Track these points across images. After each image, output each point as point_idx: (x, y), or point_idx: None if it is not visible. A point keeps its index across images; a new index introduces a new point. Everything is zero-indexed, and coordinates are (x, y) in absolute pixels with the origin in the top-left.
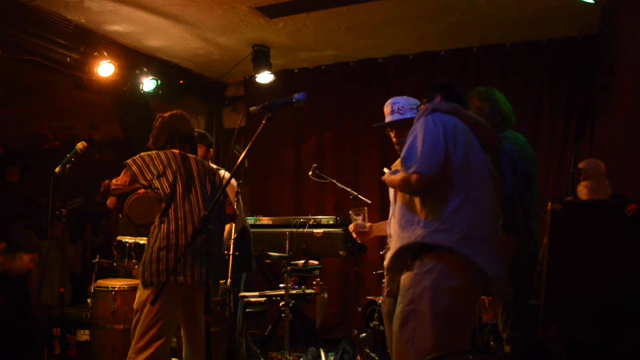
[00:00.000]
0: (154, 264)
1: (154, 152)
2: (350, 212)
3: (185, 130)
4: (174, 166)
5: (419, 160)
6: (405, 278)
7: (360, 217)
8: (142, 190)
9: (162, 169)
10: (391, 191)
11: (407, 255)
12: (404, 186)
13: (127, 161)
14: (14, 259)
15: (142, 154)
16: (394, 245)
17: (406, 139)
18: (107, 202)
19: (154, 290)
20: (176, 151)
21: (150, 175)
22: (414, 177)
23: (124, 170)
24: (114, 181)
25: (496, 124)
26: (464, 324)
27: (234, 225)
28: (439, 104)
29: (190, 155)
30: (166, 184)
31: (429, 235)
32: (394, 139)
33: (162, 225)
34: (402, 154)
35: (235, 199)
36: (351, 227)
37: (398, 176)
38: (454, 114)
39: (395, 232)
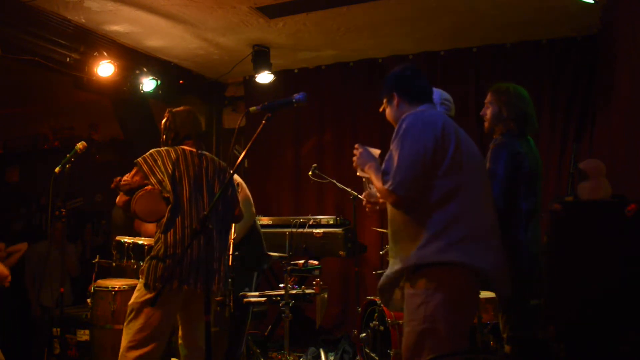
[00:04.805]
0: (158, 270)
1: (164, 149)
2: (364, 180)
3: (198, 127)
4: (182, 166)
5: (392, 177)
6: (412, 296)
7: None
8: (149, 187)
9: (172, 168)
10: None
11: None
12: (382, 198)
13: (138, 160)
14: None
15: (152, 151)
16: (393, 264)
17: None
18: (117, 200)
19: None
20: (192, 149)
21: (160, 175)
22: (391, 197)
23: (135, 169)
24: (125, 177)
25: (519, 127)
26: (468, 328)
27: (234, 225)
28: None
29: (205, 153)
30: (173, 186)
31: (433, 254)
32: None
33: (169, 232)
34: (383, 164)
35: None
36: (364, 194)
37: (377, 183)
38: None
39: (393, 247)
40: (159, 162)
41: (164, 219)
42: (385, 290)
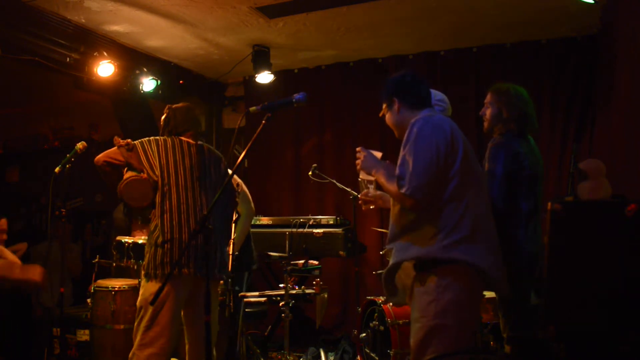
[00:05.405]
0: (157, 257)
1: (161, 137)
2: (360, 179)
3: (197, 124)
4: (178, 155)
5: (408, 182)
6: (422, 294)
7: (373, 186)
8: (144, 175)
9: (166, 156)
10: None
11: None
12: (397, 202)
13: (135, 142)
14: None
15: (150, 138)
16: (399, 255)
17: (401, 150)
18: (96, 158)
19: (158, 283)
20: (190, 140)
21: (153, 160)
22: (408, 201)
23: (132, 149)
24: (129, 141)
25: (519, 127)
26: (476, 325)
27: (233, 225)
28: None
29: (203, 143)
30: (166, 174)
31: (443, 249)
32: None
33: (164, 217)
34: (397, 169)
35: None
36: (362, 194)
37: (391, 187)
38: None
39: (399, 239)
40: (154, 148)
41: (157, 207)
42: (389, 282)
